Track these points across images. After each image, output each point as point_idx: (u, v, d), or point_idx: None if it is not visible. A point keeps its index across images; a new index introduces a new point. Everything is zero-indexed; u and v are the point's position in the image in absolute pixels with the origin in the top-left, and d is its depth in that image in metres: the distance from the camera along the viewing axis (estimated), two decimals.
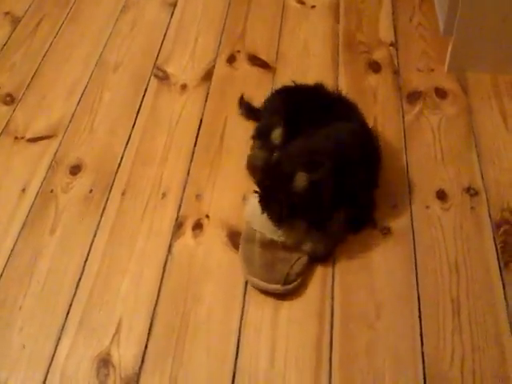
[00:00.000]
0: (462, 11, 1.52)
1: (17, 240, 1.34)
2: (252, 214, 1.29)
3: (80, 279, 1.27)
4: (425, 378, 1.09)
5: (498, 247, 1.26)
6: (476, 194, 1.35)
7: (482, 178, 1.38)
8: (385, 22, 1.81)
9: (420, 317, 1.16)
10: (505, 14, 1.51)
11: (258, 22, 1.84)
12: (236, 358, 1.13)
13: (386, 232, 1.29)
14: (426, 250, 1.26)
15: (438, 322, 1.15)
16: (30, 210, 1.39)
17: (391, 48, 1.73)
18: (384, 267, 1.23)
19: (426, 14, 1.82)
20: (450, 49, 1.61)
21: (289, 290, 1.20)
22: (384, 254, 1.26)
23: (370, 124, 1.46)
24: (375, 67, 1.67)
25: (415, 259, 1.25)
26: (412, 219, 1.31)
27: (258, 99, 1.55)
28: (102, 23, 1.88)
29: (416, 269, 1.23)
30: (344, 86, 1.62)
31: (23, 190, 1.43)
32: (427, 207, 1.33)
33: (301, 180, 1.19)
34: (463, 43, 1.58)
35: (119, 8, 1.93)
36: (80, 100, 1.64)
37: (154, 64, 1.73)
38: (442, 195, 1.35)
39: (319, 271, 1.24)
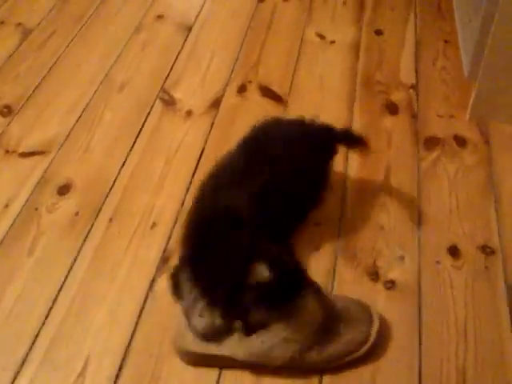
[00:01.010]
0: (488, 58, 1.42)
1: None
2: None
3: (51, 308, 1.16)
4: None
5: None
6: (492, 252, 1.23)
7: (499, 235, 1.27)
8: (406, 64, 1.72)
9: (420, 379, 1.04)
10: None
11: (273, 53, 1.76)
12: None
13: (390, 286, 1.18)
14: (432, 310, 1.14)
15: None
16: (10, 228, 1.30)
17: (411, 91, 1.63)
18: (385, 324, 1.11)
19: (450, 59, 1.73)
20: (473, 96, 1.51)
21: None
22: (386, 310, 1.14)
23: (382, 172, 1.38)
24: (392, 109, 1.58)
25: (419, 319, 1.13)
26: (420, 274, 1.19)
27: None
28: (114, 41, 1.81)
29: (420, 330, 1.11)
30: (358, 126, 1.52)
31: (6, 206, 1.34)
32: (437, 262, 1.22)
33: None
34: (487, 91, 1.48)
35: (133, 27, 1.87)
36: (79, 118, 1.56)
37: (162, 87, 1.65)
38: (454, 251, 1.24)
39: None
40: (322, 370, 1.05)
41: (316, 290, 1.06)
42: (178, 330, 1.08)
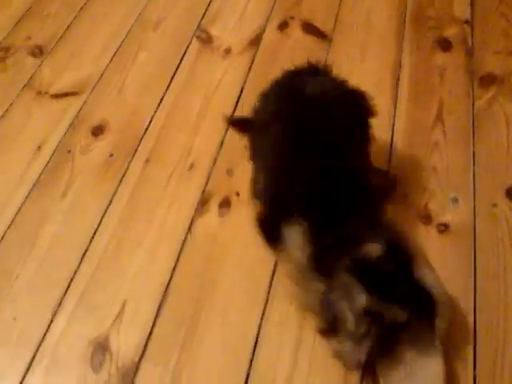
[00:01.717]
0: None
1: (25, 200, 1.20)
2: None
3: (87, 250, 1.12)
4: None
5: None
6: None
7: None
8: None
9: (475, 327, 0.97)
10: None
11: None
12: (252, 358, 0.97)
13: (443, 229, 1.10)
14: (488, 254, 1.06)
15: (497, 336, 0.96)
16: (43, 170, 1.25)
17: (465, 25, 1.52)
18: (438, 269, 1.03)
19: None
20: None
21: None
22: (439, 254, 1.06)
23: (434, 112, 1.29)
24: (445, 45, 1.47)
25: (474, 262, 1.05)
26: (475, 217, 1.11)
27: None
28: None
29: (475, 273, 1.04)
30: (407, 64, 1.43)
31: (39, 148, 1.29)
32: (494, 205, 1.13)
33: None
34: None
35: None
36: (113, 58, 1.49)
37: (198, 25, 1.57)
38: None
39: None
40: None
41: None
42: None
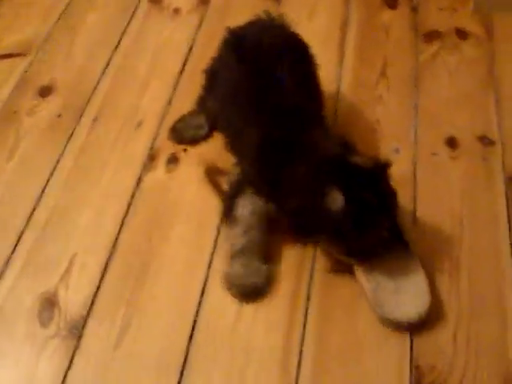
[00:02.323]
0: None
1: None
2: None
3: (35, 209, 1.12)
4: (412, 344, 0.93)
5: (510, 202, 1.09)
6: (490, 143, 1.18)
7: (499, 127, 1.21)
8: None
9: None
10: None
11: None
12: (198, 309, 0.98)
13: None
14: (427, 201, 1.10)
15: (434, 281, 1.00)
16: None
17: None
18: None
19: None
20: None
21: None
22: None
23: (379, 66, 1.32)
24: (391, 3, 1.49)
25: (414, 210, 1.08)
26: (415, 166, 1.15)
27: None
28: None
29: (415, 221, 1.07)
30: (354, 22, 1.45)
31: None
32: (434, 154, 1.17)
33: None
34: None
35: None
36: (59, 18, 1.48)
37: None
38: (451, 142, 1.18)
39: None
40: None
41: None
42: None
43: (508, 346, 0.92)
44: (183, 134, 1.21)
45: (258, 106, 1.02)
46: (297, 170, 0.94)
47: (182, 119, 1.22)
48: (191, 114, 1.22)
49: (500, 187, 1.12)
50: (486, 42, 1.39)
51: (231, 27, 1.15)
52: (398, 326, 0.94)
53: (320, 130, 1.01)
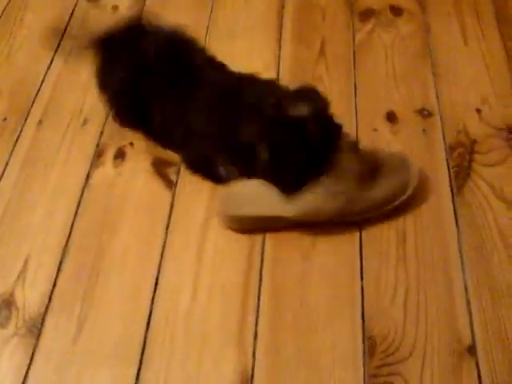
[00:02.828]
0: None
1: None
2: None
3: None
4: (363, 315, 0.96)
5: (452, 171, 1.13)
6: (429, 115, 1.22)
7: (437, 98, 1.25)
8: None
9: (361, 248, 1.04)
10: None
11: None
12: (153, 296, 1.00)
13: None
14: None
15: (381, 252, 1.03)
16: None
17: None
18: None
19: None
20: None
21: None
22: None
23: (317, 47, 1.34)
24: None
25: None
26: (358, 142, 1.17)
27: (194, 18, 1.41)
28: None
29: None
30: (290, 5, 1.47)
31: None
32: (375, 130, 1.20)
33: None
34: None
35: None
36: None
37: None
38: (391, 117, 1.22)
39: None
40: (362, 222, 1.06)
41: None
42: (223, 199, 1.08)
43: (456, 314, 0.96)
44: None
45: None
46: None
47: None
48: None
49: (441, 156, 1.16)
50: (420, 16, 1.42)
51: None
52: None
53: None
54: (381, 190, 1.04)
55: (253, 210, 1.05)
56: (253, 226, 1.06)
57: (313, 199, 1.01)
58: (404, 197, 1.05)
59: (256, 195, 1.05)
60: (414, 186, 1.06)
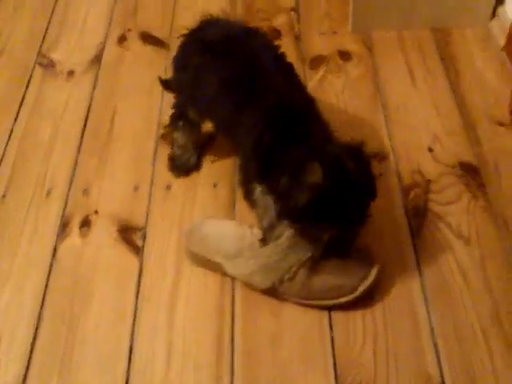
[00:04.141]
0: None
1: None
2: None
3: None
4: (335, 367, 0.99)
5: (410, 213, 1.17)
6: (384, 158, 1.26)
7: (390, 140, 1.29)
8: None
9: None
10: None
11: None
12: (129, 365, 1.02)
13: None
14: None
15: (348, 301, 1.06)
16: None
17: (292, 13, 1.62)
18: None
19: None
20: (351, 8, 1.51)
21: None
22: None
23: None
24: (276, 34, 1.56)
25: None
26: None
27: (151, 78, 1.44)
28: None
29: None
30: None
31: None
32: None
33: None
34: (363, 1, 1.48)
35: None
36: None
37: (39, 51, 1.59)
38: None
39: None
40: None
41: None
42: (188, 230, 1.12)
43: (425, 355, 0.99)
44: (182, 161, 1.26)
45: (253, 98, 1.04)
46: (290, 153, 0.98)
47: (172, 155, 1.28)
48: (176, 144, 1.26)
49: (398, 199, 1.19)
50: (368, 59, 1.47)
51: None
52: None
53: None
54: (324, 286, 1.03)
55: (201, 251, 1.09)
56: (203, 265, 1.10)
57: (245, 266, 1.05)
58: (340, 301, 1.04)
59: (211, 237, 1.09)
60: (358, 295, 1.04)
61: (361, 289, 1.03)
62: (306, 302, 1.04)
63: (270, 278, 1.04)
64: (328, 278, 1.03)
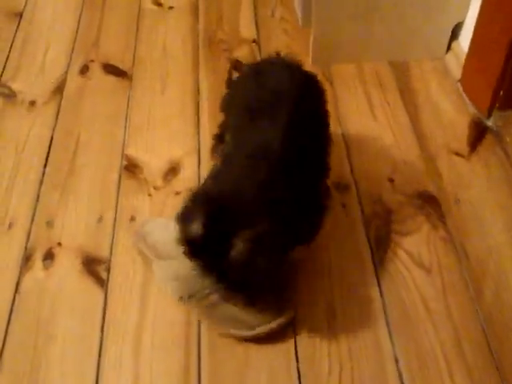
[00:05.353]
0: (316, 5, 1.45)
1: None
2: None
3: None
4: None
5: (372, 244, 1.19)
6: (346, 188, 1.28)
7: (352, 170, 1.32)
8: (246, 19, 1.73)
9: (294, 328, 1.08)
10: (356, 2, 1.45)
11: (112, 28, 1.72)
12: None
13: None
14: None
15: (313, 328, 1.07)
16: None
17: (253, 44, 1.65)
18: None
19: (287, 7, 1.75)
20: (311, 41, 1.55)
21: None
22: None
23: None
24: (237, 65, 1.58)
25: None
26: None
27: (113, 109, 1.44)
28: None
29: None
30: (205, 88, 1.53)
31: None
32: None
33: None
34: (323, 35, 1.52)
35: None
36: None
37: None
38: None
39: None
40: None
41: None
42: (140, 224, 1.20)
43: None
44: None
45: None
46: None
47: None
48: None
49: (360, 229, 1.22)
50: (328, 91, 1.48)
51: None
52: None
53: None
54: (225, 310, 1.05)
55: (143, 246, 1.16)
56: (144, 262, 1.17)
57: (172, 271, 1.09)
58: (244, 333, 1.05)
59: (154, 235, 1.16)
60: (260, 332, 1.04)
61: (259, 330, 1.04)
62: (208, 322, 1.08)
63: (183, 289, 1.06)
64: (231, 309, 1.04)
